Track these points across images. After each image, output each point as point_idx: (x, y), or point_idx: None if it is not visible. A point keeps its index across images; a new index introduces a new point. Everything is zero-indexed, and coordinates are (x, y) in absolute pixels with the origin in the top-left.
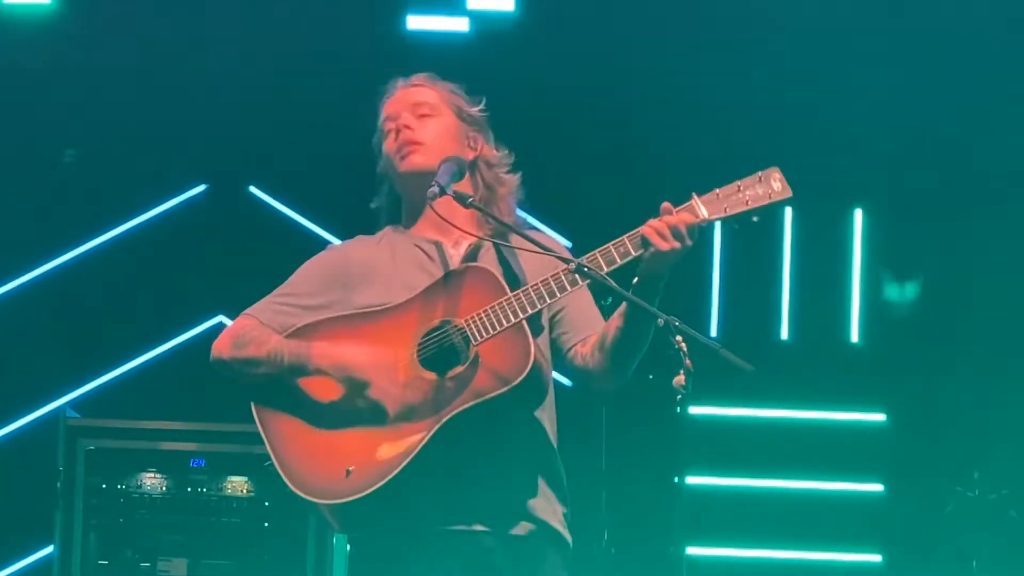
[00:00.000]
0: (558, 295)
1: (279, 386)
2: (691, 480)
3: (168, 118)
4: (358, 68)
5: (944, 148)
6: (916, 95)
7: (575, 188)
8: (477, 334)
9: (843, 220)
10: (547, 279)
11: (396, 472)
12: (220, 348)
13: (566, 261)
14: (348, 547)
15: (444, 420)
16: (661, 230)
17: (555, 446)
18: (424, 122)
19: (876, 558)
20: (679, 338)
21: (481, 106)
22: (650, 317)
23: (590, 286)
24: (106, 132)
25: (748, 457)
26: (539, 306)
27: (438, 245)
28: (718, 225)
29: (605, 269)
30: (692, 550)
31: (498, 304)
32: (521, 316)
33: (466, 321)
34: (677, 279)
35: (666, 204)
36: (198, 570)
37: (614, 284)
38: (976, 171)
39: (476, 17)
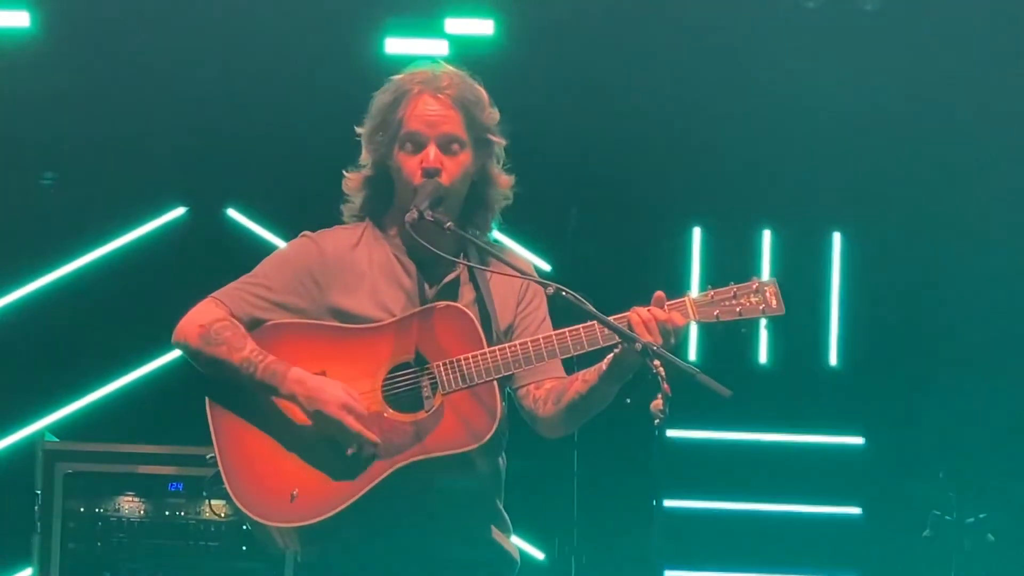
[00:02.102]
0: (534, 362)
1: (232, 389)
2: (669, 503)
3: (147, 141)
4: (337, 92)
5: (922, 171)
6: (896, 119)
7: (554, 212)
8: (447, 383)
9: (822, 243)
10: (526, 343)
11: (340, 509)
12: (186, 335)
13: (544, 285)
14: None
15: (396, 468)
16: (648, 324)
17: (502, 468)
18: (450, 160)
19: None
20: (657, 363)
21: (496, 125)
22: (611, 392)
23: (565, 309)
24: (85, 155)
25: (726, 481)
26: (514, 370)
27: (417, 261)
28: (696, 244)
29: (586, 348)
30: (670, 573)
31: (473, 356)
32: (494, 376)
33: (438, 366)
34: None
35: (659, 294)
36: None
37: (593, 310)
38: (954, 194)
39: (455, 41)
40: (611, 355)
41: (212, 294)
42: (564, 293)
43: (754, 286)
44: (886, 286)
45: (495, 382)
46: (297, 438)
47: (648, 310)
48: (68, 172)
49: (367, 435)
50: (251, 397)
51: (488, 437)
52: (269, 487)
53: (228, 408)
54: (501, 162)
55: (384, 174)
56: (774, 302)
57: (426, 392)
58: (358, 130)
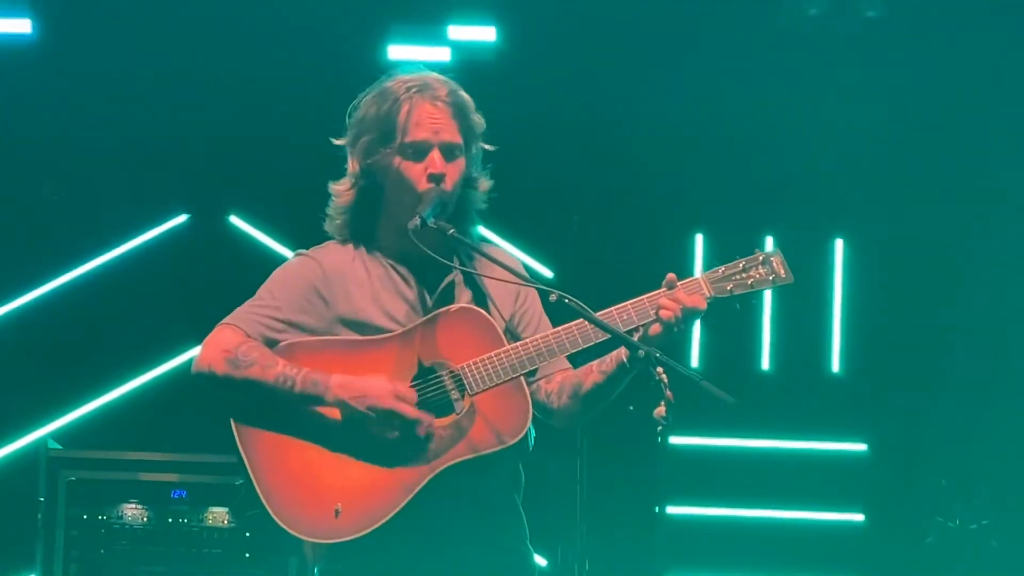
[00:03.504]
0: (558, 354)
1: (266, 408)
2: (672, 510)
3: (149, 148)
4: (340, 99)
5: (924, 178)
6: (898, 125)
7: (557, 217)
8: (474, 384)
9: (824, 250)
10: (547, 337)
11: (389, 518)
12: (211, 363)
13: (546, 292)
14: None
15: (438, 471)
16: (676, 312)
17: (521, 475)
18: (451, 167)
19: None
20: (660, 369)
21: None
22: (629, 378)
23: (573, 315)
24: (87, 162)
25: (729, 487)
26: (538, 363)
27: (412, 268)
28: (699, 250)
29: (606, 335)
30: None
31: (496, 355)
32: (520, 372)
33: (462, 368)
34: None
35: (671, 276)
36: None
37: (594, 316)
38: (956, 201)
39: (458, 48)
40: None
41: (223, 321)
42: (567, 300)
43: (760, 258)
44: (888, 292)
45: (522, 380)
46: (338, 448)
47: (671, 298)
48: (70, 179)
49: (425, 418)
50: (283, 414)
51: (526, 428)
52: (312, 504)
53: (259, 429)
54: (478, 165)
55: (373, 184)
56: (782, 271)
57: (454, 395)
58: (337, 142)
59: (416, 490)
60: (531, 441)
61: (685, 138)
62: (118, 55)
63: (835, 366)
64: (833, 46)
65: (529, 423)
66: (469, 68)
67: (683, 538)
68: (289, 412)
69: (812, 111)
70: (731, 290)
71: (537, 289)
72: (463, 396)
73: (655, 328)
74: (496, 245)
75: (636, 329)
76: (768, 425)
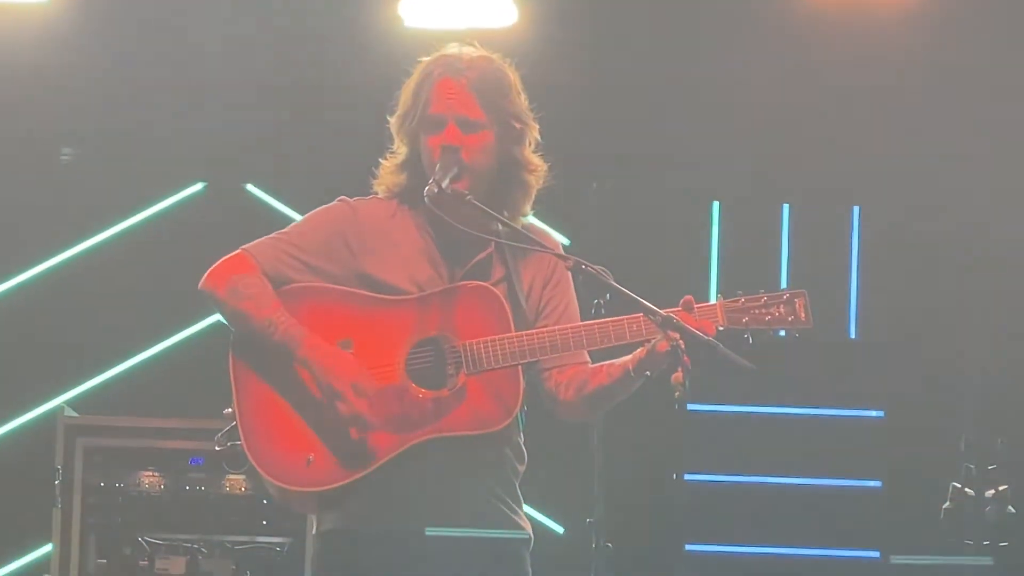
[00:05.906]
0: (561, 351)
1: (256, 346)
2: (689, 477)
3: (166, 115)
4: (355, 67)
5: (941, 146)
6: (914, 94)
7: (574, 203)
8: (471, 364)
9: (841, 218)
10: (554, 331)
11: (354, 479)
12: (215, 284)
13: (564, 259)
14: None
15: (412, 443)
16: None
17: (520, 445)
18: (470, 139)
19: (874, 555)
20: (677, 335)
21: (524, 106)
22: (634, 386)
23: (586, 283)
24: (103, 130)
25: (746, 454)
26: (540, 356)
27: (448, 239)
28: (716, 218)
29: (613, 342)
30: (690, 547)
31: (500, 339)
32: (520, 361)
33: (464, 346)
34: (675, 276)
35: (688, 298)
36: (197, 569)
37: (614, 283)
38: (973, 168)
39: (474, 14)
40: (639, 351)
41: (243, 247)
42: (584, 266)
43: (784, 296)
44: (904, 259)
45: (519, 366)
46: (316, 403)
47: (677, 320)
48: (87, 147)
49: (364, 417)
50: (274, 357)
51: (508, 421)
52: (286, 450)
53: (251, 365)
54: (533, 146)
55: (417, 158)
56: (803, 315)
57: (450, 370)
58: (390, 119)
59: (388, 457)
60: (520, 423)
61: (703, 105)
62: (133, 22)
63: (852, 332)
64: (850, 15)
65: (514, 414)
66: (485, 35)
67: (700, 505)
68: (275, 356)
69: (828, 78)
70: (746, 323)
71: (558, 257)
72: (458, 373)
73: (662, 345)
74: (533, 225)
75: (643, 341)
76: (784, 392)
